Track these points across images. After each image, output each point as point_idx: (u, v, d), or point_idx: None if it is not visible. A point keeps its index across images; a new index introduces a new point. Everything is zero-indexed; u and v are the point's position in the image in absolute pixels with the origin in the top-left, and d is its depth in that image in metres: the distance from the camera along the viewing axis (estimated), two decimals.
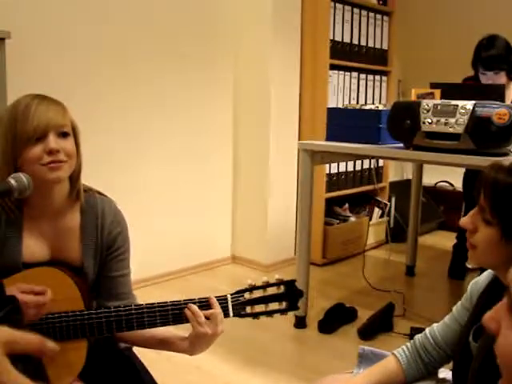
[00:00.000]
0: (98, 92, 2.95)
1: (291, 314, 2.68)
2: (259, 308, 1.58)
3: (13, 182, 1.37)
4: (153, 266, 3.31)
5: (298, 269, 2.67)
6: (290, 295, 1.59)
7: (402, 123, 2.32)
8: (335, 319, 2.80)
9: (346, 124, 2.66)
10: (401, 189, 4.45)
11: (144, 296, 2.98)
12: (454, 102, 2.23)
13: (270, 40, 3.42)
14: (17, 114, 1.46)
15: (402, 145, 2.48)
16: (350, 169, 3.99)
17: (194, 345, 1.50)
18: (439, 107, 2.24)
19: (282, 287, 1.58)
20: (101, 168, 2.89)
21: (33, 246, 1.57)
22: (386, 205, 4.26)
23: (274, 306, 1.59)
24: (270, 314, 1.58)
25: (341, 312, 2.87)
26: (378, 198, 4.24)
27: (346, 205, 4.05)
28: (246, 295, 1.57)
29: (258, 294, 1.58)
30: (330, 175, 3.81)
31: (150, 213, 3.29)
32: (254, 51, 3.51)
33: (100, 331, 1.49)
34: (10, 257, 1.52)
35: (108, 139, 3.00)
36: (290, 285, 1.59)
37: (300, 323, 2.70)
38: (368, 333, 2.66)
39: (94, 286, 1.60)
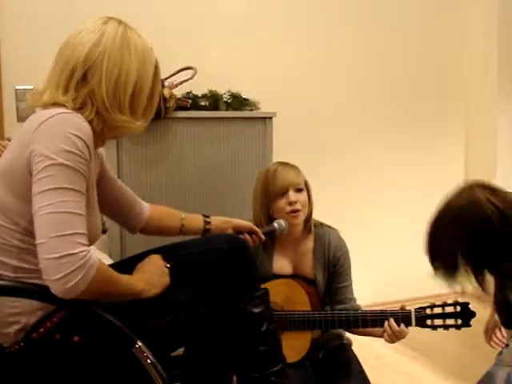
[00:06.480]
0: (342, 153, 3.60)
1: None
2: (438, 322, 2.02)
3: (276, 225, 2.02)
4: (388, 293, 3.66)
5: None
6: (465, 314, 1.95)
7: None
8: None
9: None
10: None
11: None
12: None
13: (495, 90, 3.66)
14: (268, 177, 2.08)
15: None
16: None
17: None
18: None
19: (458, 307, 1.96)
20: (351, 209, 3.59)
21: (280, 263, 2.16)
22: None
23: (450, 321, 1.97)
24: (446, 327, 1.95)
25: None
26: None
27: None
28: (428, 311, 2.01)
29: (437, 310, 2.02)
30: None
31: (386, 245, 3.74)
32: (480, 103, 3.79)
33: (319, 327, 2.06)
34: (265, 270, 2.13)
35: (352, 188, 3.63)
36: (464, 306, 1.96)
37: None
38: None
39: (325, 294, 2.15)
